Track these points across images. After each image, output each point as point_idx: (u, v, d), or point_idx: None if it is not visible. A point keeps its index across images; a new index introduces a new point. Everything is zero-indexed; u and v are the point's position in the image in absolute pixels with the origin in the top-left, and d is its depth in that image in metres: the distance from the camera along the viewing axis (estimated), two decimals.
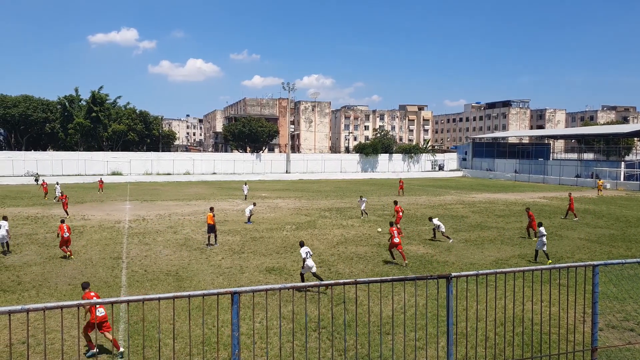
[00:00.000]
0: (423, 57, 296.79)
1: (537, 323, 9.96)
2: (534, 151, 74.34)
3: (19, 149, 72.20)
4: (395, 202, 24.80)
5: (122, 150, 73.03)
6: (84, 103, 76.77)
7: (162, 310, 10.78)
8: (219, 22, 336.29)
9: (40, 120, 74.52)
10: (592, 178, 55.14)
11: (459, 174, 78.65)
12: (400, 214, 23.24)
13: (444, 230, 20.03)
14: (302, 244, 13.58)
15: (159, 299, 4.48)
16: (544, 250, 16.28)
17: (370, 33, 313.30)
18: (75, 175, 61.75)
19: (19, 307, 4.08)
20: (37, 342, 9.18)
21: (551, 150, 77.40)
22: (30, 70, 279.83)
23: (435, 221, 20.26)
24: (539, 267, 8.86)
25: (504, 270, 6.58)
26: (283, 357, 8.52)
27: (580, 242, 20.16)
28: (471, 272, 6.54)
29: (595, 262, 6.83)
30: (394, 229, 16.14)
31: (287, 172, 74.04)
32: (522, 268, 6.83)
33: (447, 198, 39.68)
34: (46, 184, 40.34)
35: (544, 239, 16.18)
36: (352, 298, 11.38)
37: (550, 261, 16.11)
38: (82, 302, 4.31)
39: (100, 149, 73.59)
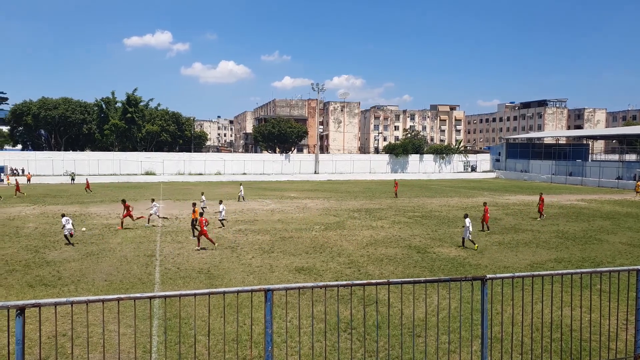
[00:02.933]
0: (455, 56, 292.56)
1: (575, 329, 9.65)
2: (572, 152, 72.14)
3: (59, 150, 74.92)
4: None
5: (155, 151, 74.83)
6: (120, 105, 79.09)
7: (194, 307, 10.98)
8: (251, 24, 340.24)
9: (78, 122, 77.14)
10: (635, 180, 53.08)
11: (492, 175, 77.09)
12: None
13: (469, 235, 19.26)
14: None
15: (195, 294, 4.57)
16: (469, 238, 18.78)
17: (401, 33, 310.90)
18: (111, 174, 63.67)
19: (64, 299, 4.24)
20: (76, 334, 9.50)
21: (590, 151, 74.95)
22: (70, 73, 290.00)
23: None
24: (577, 270, 8.59)
25: (540, 273, 6.42)
26: (314, 356, 8.55)
27: (621, 246, 19.43)
28: (506, 275, 6.40)
29: (639, 267, 6.58)
30: (202, 219, 18.21)
31: (315, 172, 74.24)
32: (559, 271, 6.64)
33: (479, 200, 38.95)
34: (83, 182, 41.72)
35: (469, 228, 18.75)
36: (382, 299, 11.31)
37: (475, 247, 18.51)
38: (122, 296, 4.44)
39: (135, 149, 75.55)
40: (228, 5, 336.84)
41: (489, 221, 23.62)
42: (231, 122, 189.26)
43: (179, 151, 78.79)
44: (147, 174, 66.36)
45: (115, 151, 73.66)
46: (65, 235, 19.10)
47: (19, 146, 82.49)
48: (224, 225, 23.96)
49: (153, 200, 26.37)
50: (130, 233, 21.79)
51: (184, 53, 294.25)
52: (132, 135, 76.81)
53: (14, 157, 65.20)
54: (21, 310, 4.03)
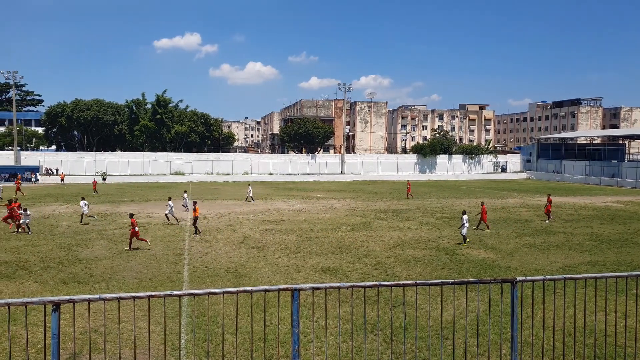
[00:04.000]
0: (485, 55, 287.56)
1: (610, 335, 9.38)
2: (607, 152, 69.85)
3: (91, 150, 77.14)
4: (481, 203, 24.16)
5: (184, 151, 76.20)
6: (150, 106, 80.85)
7: (222, 306, 11.14)
8: (279, 25, 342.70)
9: (109, 123, 79.24)
10: None
11: (523, 176, 75.43)
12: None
13: (464, 231, 19.57)
14: None
15: (223, 293, 4.65)
16: (463, 234, 19.52)
17: (430, 32, 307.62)
18: (141, 174, 65.11)
19: (96, 296, 4.38)
20: (107, 330, 9.78)
21: (626, 152, 72.45)
22: (102, 75, 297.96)
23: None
24: (612, 274, 8.34)
25: (573, 276, 6.26)
26: (340, 356, 8.56)
27: None
28: (538, 277, 6.27)
29: None
30: (134, 220, 18.76)
31: (341, 173, 74.18)
32: (593, 275, 6.47)
33: (509, 201, 38.18)
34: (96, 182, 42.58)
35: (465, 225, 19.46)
36: (409, 301, 11.23)
37: (464, 244, 19.34)
38: (152, 293, 4.55)
39: (164, 149, 77.07)
40: (256, 7, 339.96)
41: (488, 221, 23.93)
42: (258, 122, 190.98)
43: (207, 152, 80.00)
44: (176, 174, 67.61)
45: (145, 152, 75.27)
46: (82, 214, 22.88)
47: (54, 147, 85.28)
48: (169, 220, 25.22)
49: (170, 198, 26.81)
50: (159, 232, 22.26)
51: (213, 55, 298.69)
52: (161, 136, 78.37)
53: (49, 158, 67.41)
54: (57, 305, 4.17)
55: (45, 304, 4.15)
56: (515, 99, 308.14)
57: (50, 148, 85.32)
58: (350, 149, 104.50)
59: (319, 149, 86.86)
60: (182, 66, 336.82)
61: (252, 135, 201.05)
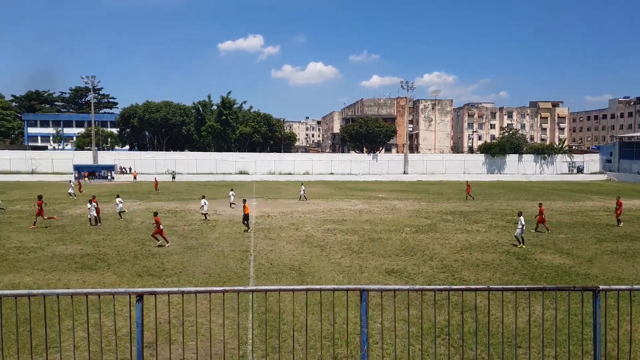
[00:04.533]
0: (557, 49, 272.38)
1: None
2: None
3: (160, 150, 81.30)
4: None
5: (248, 151, 78.45)
6: (215, 107, 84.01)
7: (287, 303, 11.38)
8: (340, 25, 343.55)
9: (178, 124, 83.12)
10: None
11: (602, 177, 70.73)
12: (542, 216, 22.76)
13: (518, 232, 19.19)
14: None
15: (293, 290, 4.75)
16: (520, 235, 19.15)
17: (496, 27, 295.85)
18: (208, 173, 67.80)
19: (176, 289, 4.63)
20: (180, 322, 10.28)
21: None
22: (170, 78, 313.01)
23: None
24: None
25: None
26: (409, 359, 8.47)
27: None
28: (623, 287, 5.88)
29: None
30: (158, 217, 19.02)
31: (404, 172, 73.18)
32: None
33: (587, 204, 35.97)
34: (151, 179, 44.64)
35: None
36: (480, 307, 10.90)
37: (522, 245, 18.90)
38: (227, 288, 4.74)
39: (229, 149, 79.72)
40: (317, 7, 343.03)
41: (547, 223, 23.10)
42: (319, 122, 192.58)
43: (269, 151, 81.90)
44: (240, 173, 69.77)
45: (211, 151, 78.28)
46: (120, 212, 25.67)
47: (127, 146, 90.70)
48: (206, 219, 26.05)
49: (203, 197, 27.63)
50: (226, 229, 23.07)
51: (275, 56, 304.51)
52: (226, 136, 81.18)
53: (123, 157, 71.91)
54: (140, 296, 4.46)
55: (130, 295, 4.44)
56: (593, 95, 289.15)
57: (124, 148, 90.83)
58: (414, 148, 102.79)
59: (380, 148, 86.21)
60: (246, 68, 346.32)
61: (312, 135, 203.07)
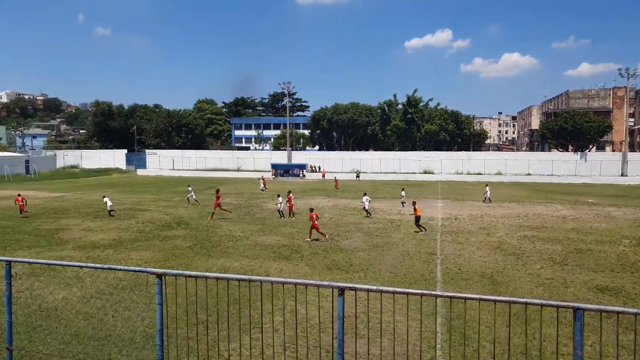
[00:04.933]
0: None
1: None
2: None
3: (347, 149, 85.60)
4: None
5: (433, 150, 77.35)
6: (400, 106, 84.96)
7: (476, 312, 10.91)
8: (541, 10, 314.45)
9: (364, 124, 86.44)
10: None
11: None
12: None
13: None
14: None
15: (495, 301, 4.52)
16: None
17: None
18: (391, 172, 68.96)
19: (374, 286, 4.84)
20: (368, 318, 10.68)
21: None
22: (357, 79, 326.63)
23: None
24: None
25: None
26: None
27: None
28: None
29: None
30: (313, 214, 20.41)
31: (622, 174, 63.34)
32: None
33: None
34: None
35: None
36: None
37: None
38: (424, 292, 4.76)
39: (414, 148, 79.76)
40: None
41: None
42: (513, 118, 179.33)
43: (457, 150, 79.43)
44: (425, 172, 69.22)
45: (395, 151, 79.43)
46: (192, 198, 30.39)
47: (317, 147, 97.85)
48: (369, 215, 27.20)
49: (365, 194, 28.71)
50: (411, 229, 23.15)
51: (464, 49, 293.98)
52: (411, 135, 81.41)
53: (313, 157, 77.77)
54: (342, 290, 4.77)
55: (333, 288, 4.77)
56: None
57: (314, 148, 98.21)
58: (635, 145, 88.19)
59: (590, 146, 76.26)
60: (433, 64, 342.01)
61: (506, 132, 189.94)
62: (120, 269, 5.50)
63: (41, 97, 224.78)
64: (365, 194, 29.03)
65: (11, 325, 5.74)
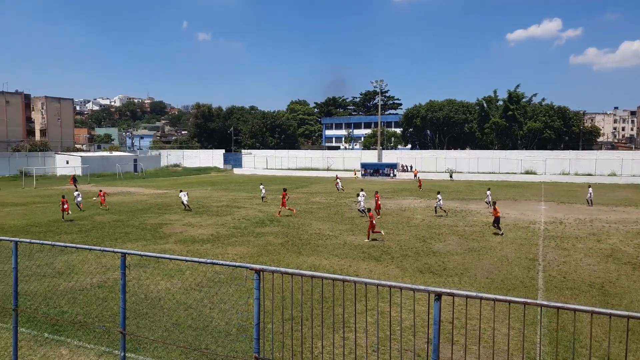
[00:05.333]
0: None
1: None
2: None
3: (442, 148, 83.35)
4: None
5: (536, 149, 72.86)
6: (501, 103, 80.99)
7: (584, 324, 10.12)
8: None
9: (460, 122, 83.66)
10: None
11: None
12: None
13: None
14: None
15: (611, 315, 4.16)
16: None
17: None
18: (489, 172, 65.93)
19: (474, 293, 4.69)
20: (462, 325, 10.36)
21: None
22: (454, 75, 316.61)
23: None
24: None
25: None
26: None
27: None
28: None
29: None
30: (371, 214, 21.14)
31: None
32: None
33: None
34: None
35: None
36: None
37: None
38: (528, 300, 4.50)
39: (515, 147, 75.73)
40: None
41: None
42: (632, 113, 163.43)
43: (563, 149, 74.10)
44: (526, 173, 65.36)
45: (494, 149, 75.91)
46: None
47: (409, 146, 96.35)
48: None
49: (439, 192, 26.61)
50: (510, 233, 22.02)
51: (575, 39, 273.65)
52: (512, 133, 77.35)
53: (405, 155, 76.65)
54: (438, 295, 4.68)
55: (429, 293, 4.70)
56: None
57: (406, 147, 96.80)
58: None
59: None
60: (538, 57, 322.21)
61: (622, 129, 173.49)
62: (221, 264, 5.83)
63: (148, 101, 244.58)
64: (439, 192, 28.51)
65: (125, 312, 6.32)
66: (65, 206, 25.88)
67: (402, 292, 5.11)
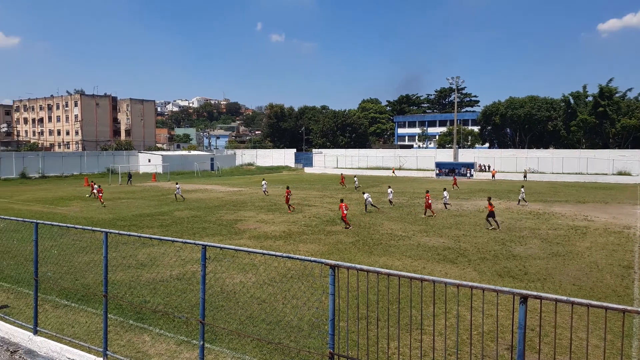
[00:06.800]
0: None
1: None
2: None
3: (522, 147, 79.54)
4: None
5: (632, 148, 67.67)
6: (590, 99, 75.99)
7: None
8: None
9: (543, 119, 79.35)
10: None
11: None
12: None
13: None
14: None
15: None
16: None
17: None
18: (576, 173, 62.13)
19: (564, 297, 4.44)
20: (545, 332, 9.84)
21: None
22: (537, 71, 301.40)
23: None
24: None
25: None
26: None
27: None
28: None
29: None
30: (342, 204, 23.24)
31: None
32: None
33: None
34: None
35: None
36: None
37: None
38: (628, 308, 4.18)
39: (606, 146, 70.84)
40: None
41: None
42: None
43: None
44: (619, 174, 60.81)
45: (581, 148, 71.41)
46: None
47: (487, 144, 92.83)
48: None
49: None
50: (600, 238, 20.61)
51: None
52: (602, 131, 72.38)
53: (482, 155, 73.98)
54: (524, 298, 4.49)
55: (514, 295, 4.52)
56: None
57: (483, 146, 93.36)
58: None
59: None
60: (634, 48, 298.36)
61: None
62: (297, 258, 5.93)
63: (224, 102, 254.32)
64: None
65: (204, 303, 6.60)
66: (99, 194, 33.49)
67: (485, 293, 4.90)
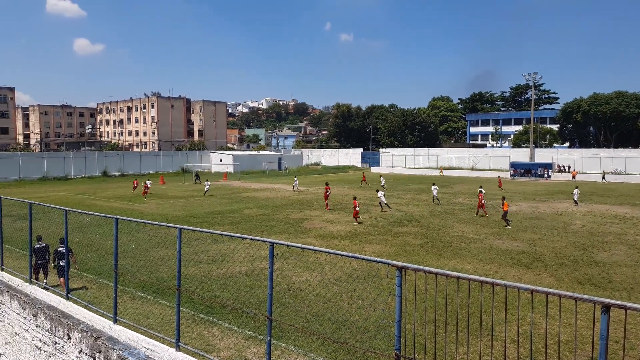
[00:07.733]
0: None
1: None
2: None
3: (607, 146, 74.61)
4: None
5: None
6: None
7: None
8: None
9: (632, 116, 74.02)
10: None
11: None
12: None
13: None
14: None
15: None
16: None
17: None
18: None
19: (635, 304, 4.15)
20: (630, 345, 9.20)
21: None
22: (624, 66, 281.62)
23: None
24: None
25: None
26: None
27: None
28: None
29: None
30: (355, 201, 24.74)
31: None
32: None
33: None
34: None
35: None
36: None
37: None
38: None
39: None
40: None
41: None
42: None
43: None
44: None
45: None
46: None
47: (567, 144, 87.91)
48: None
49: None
50: None
51: None
52: None
53: (561, 154, 70.17)
54: (607, 307, 4.26)
55: (595, 304, 4.30)
56: None
57: (563, 145, 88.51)
58: None
59: None
60: None
61: None
62: (363, 258, 5.94)
63: (292, 102, 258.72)
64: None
65: (272, 299, 6.77)
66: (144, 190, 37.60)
67: (561, 301, 4.66)
